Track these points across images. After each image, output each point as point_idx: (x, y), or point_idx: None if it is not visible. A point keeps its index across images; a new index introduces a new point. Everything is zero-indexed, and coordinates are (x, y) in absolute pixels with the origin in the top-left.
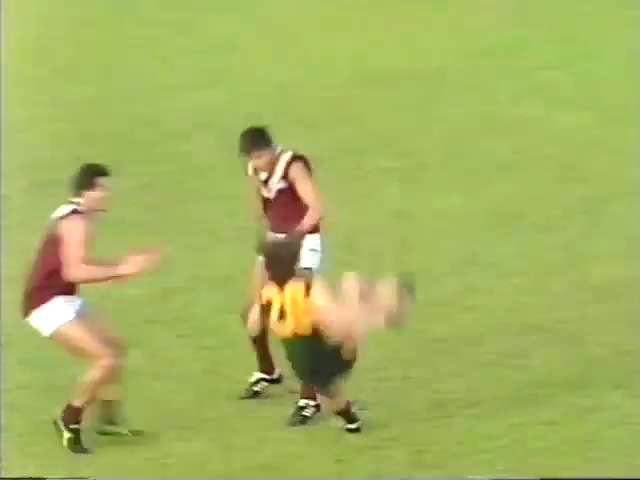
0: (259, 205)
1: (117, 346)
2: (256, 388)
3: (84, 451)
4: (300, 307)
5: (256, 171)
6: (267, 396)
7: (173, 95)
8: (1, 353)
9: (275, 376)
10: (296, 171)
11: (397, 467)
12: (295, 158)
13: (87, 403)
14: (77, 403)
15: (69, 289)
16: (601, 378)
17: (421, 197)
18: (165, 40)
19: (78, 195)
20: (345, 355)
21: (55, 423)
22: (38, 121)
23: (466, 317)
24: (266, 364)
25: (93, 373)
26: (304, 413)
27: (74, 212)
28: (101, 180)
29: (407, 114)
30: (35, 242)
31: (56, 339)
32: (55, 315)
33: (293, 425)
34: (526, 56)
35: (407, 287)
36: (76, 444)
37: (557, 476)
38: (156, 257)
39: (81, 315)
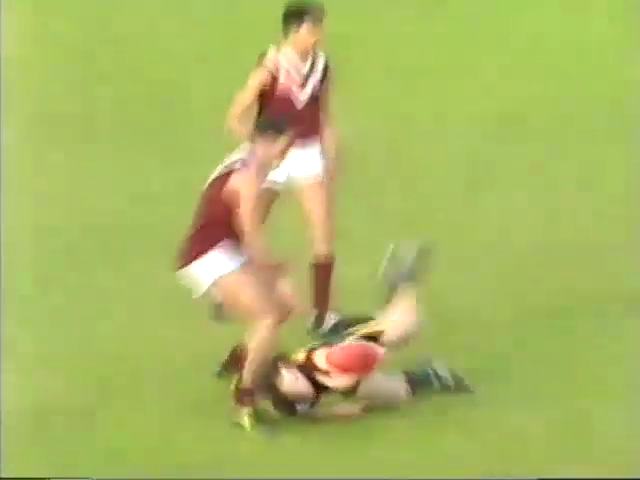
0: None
1: (286, 308)
2: None
3: (270, 431)
4: None
5: (294, 66)
6: None
7: None
8: (2, 352)
9: None
10: (332, 77)
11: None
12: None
13: (255, 375)
14: (248, 384)
15: (235, 240)
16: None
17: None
18: None
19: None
20: None
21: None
22: None
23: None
24: None
25: (256, 338)
26: None
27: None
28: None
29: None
30: None
31: (215, 292)
32: (217, 265)
33: None
34: None
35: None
36: (257, 417)
37: None
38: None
39: (247, 266)
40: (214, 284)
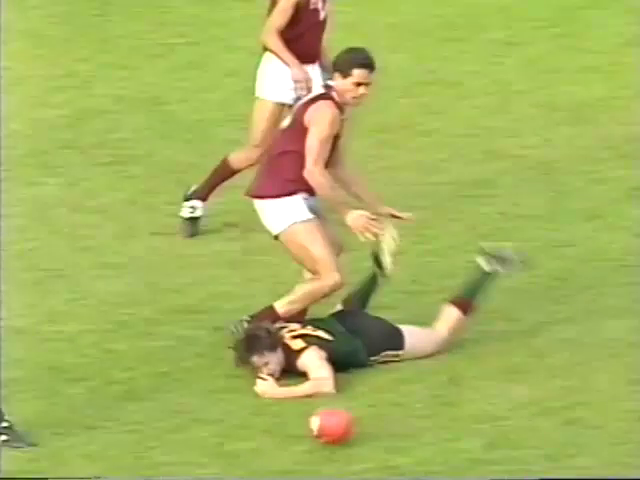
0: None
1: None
2: (195, 214)
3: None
4: None
5: None
6: (201, 233)
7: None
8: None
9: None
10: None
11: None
12: None
13: (288, 313)
14: (280, 309)
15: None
16: (572, 209)
17: (371, 9)
18: None
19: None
20: None
21: (237, 324)
22: None
23: (421, 142)
24: (204, 191)
25: (313, 285)
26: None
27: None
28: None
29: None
30: None
31: (285, 238)
32: (291, 213)
33: None
34: None
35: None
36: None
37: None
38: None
39: (319, 219)
40: (286, 229)
